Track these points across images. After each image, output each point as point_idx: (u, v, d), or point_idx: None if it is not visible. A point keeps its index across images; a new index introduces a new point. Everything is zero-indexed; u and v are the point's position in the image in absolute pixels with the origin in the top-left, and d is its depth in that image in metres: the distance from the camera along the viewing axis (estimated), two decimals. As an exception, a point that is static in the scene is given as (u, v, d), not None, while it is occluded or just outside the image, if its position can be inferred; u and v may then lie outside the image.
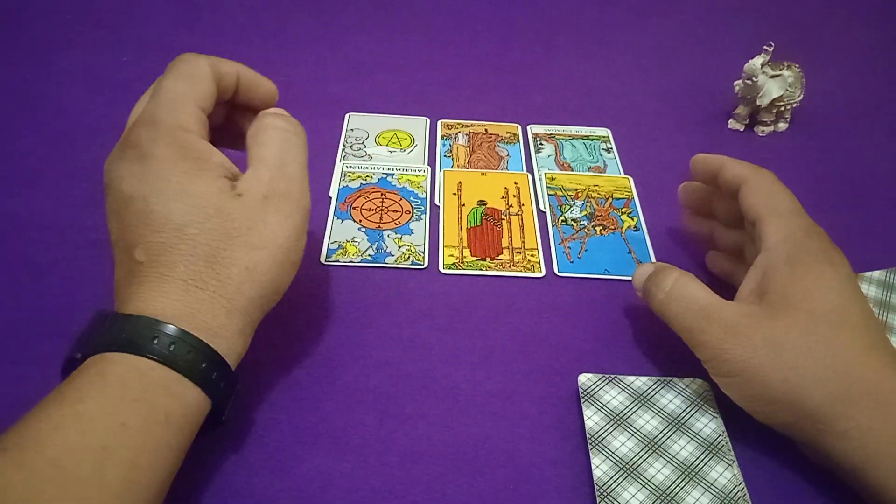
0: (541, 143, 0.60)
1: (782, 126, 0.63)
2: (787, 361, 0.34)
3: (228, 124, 0.43)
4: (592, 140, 0.61)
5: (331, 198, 0.52)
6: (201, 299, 0.33)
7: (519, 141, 0.60)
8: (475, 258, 0.49)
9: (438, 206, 0.52)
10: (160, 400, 0.30)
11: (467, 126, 0.62)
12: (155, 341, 0.31)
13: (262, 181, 0.35)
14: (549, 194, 0.54)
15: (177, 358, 0.31)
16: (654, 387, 0.40)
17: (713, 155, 0.45)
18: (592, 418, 0.38)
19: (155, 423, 0.30)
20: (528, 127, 0.62)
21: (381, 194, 0.53)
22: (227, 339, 0.33)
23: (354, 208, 0.52)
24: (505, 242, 0.50)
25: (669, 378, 0.40)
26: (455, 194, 0.53)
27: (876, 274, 0.46)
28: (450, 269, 0.48)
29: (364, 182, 0.54)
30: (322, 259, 0.47)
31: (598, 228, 0.52)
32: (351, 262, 0.47)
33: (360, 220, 0.51)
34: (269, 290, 0.35)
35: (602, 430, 0.37)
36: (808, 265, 0.37)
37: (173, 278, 0.33)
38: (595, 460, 0.36)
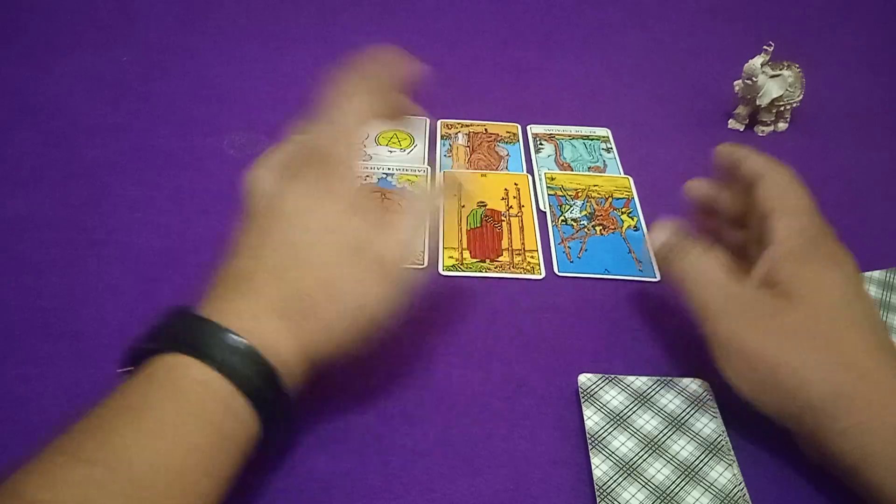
0: (541, 143, 0.60)
1: (782, 126, 0.63)
2: (796, 352, 0.35)
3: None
4: (592, 140, 0.61)
5: (331, 198, 0.52)
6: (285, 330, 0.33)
7: (519, 141, 0.60)
8: (475, 260, 0.49)
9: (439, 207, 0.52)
10: (229, 423, 0.31)
11: (467, 126, 0.62)
12: (242, 367, 0.31)
13: (378, 245, 0.36)
14: (549, 194, 0.54)
15: (254, 387, 0.31)
16: (654, 387, 0.40)
17: (737, 145, 0.44)
18: (592, 418, 0.38)
19: (220, 449, 0.30)
20: (528, 127, 0.62)
21: (381, 194, 0.53)
22: (293, 377, 0.34)
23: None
24: (505, 244, 0.50)
25: (669, 378, 0.40)
26: (455, 195, 0.53)
27: (876, 274, 0.46)
28: (449, 270, 0.48)
29: (364, 182, 0.54)
30: (322, 259, 0.47)
31: (598, 228, 0.52)
32: (351, 262, 0.47)
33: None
34: (341, 348, 0.35)
35: (602, 430, 0.37)
36: (816, 262, 0.37)
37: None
38: (595, 460, 0.36)
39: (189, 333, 0.32)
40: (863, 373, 0.34)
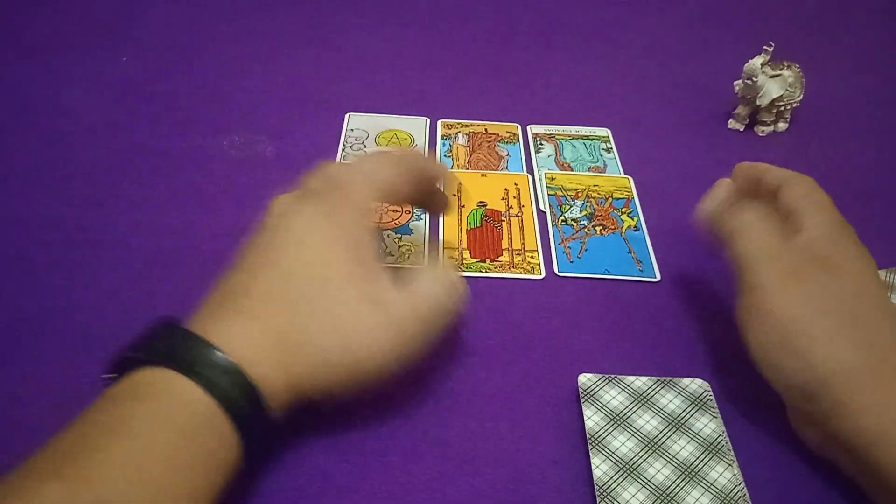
0: (541, 143, 0.60)
1: (782, 126, 0.63)
2: (824, 322, 0.35)
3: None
4: (592, 140, 0.61)
5: (331, 198, 0.52)
6: (270, 350, 0.33)
7: (519, 141, 0.60)
8: (475, 260, 0.49)
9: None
10: (211, 442, 0.30)
11: (467, 126, 0.62)
12: (227, 386, 0.31)
13: (398, 303, 0.35)
14: (549, 194, 0.54)
15: (238, 408, 0.31)
16: (654, 387, 0.40)
17: (757, 163, 0.45)
18: (592, 418, 0.38)
19: (203, 466, 0.30)
20: (528, 127, 0.62)
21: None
22: (277, 402, 0.33)
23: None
24: (505, 244, 0.50)
25: (669, 378, 0.40)
26: (455, 196, 0.53)
27: (876, 274, 0.46)
28: (450, 269, 0.48)
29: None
30: (322, 259, 0.47)
31: (598, 228, 0.52)
32: (351, 262, 0.47)
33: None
34: (328, 391, 0.35)
35: (602, 430, 0.37)
36: (849, 245, 0.38)
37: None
38: (595, 460, 0.36)
39: (176, 348, 0.31)
40: (886, 354, 0.34)
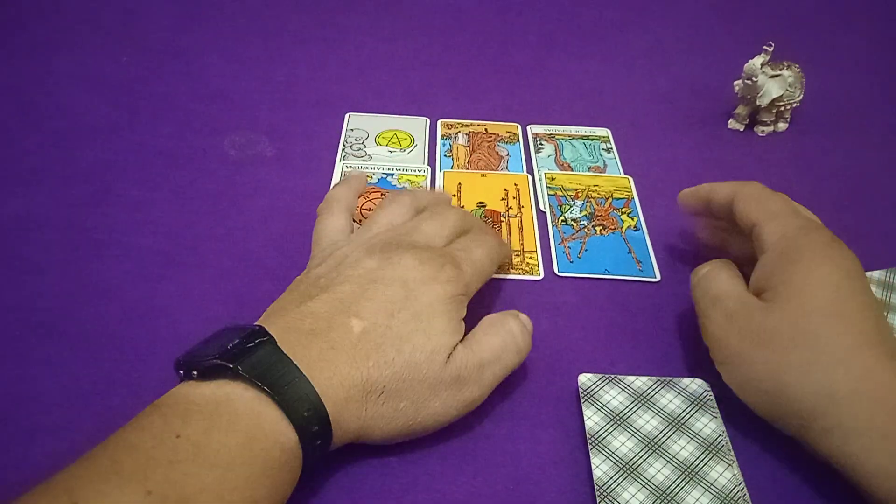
0: (541, 143, 0.60)
1: (782, 126, 0.63)
2: (773, 354, 0.35)
3: None
4: (592, 140, 0.61)
5: (331, 198, 0.52)
6: (357, 401, 0.33)
7: (519, 141, 0.60)
8: (475, 258, 0.48)
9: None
10: (287, 477, 0.30)
11: (467, 126, 0.62)
12: (306, 413, 0.30)
13: (462, 364, 0.35)
14: (549, 194, 0.54)
15: (313, 446, 0.31)
16: (654, 387, 0.40)
17: (698, 186, 0.46)
18: (592, 418, 0.38)
19: (273, 500, 0.30)
20: (528, 127, 0.62)
21: (382, 194, 0.53)
22: (337, 443, 0.33)
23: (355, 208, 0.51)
24: (505, 242, 0.50)
25: (669, 378, 0.40)
26: (454, 196, 0.53)
27: (876, 274, 0.46)
28: (450, 269, 0.48)
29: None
30: (322, 259, 0.47)
31: (598, 228, 0.52)
32: (351, 262, 0.47)
33: (361, 220, 0.51)
34: (385, 437, 0.35)
35: (602, 430, 0.37)
36: (803, 261, 0.37)
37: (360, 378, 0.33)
38: (595, 460, 0.36)
39: (271, 370, 0.31)
40: (848, 370, 0.34)
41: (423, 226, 0.40)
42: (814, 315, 0.35)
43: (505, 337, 0.38)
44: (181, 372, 0.31)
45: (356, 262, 0.36)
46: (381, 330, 0.34)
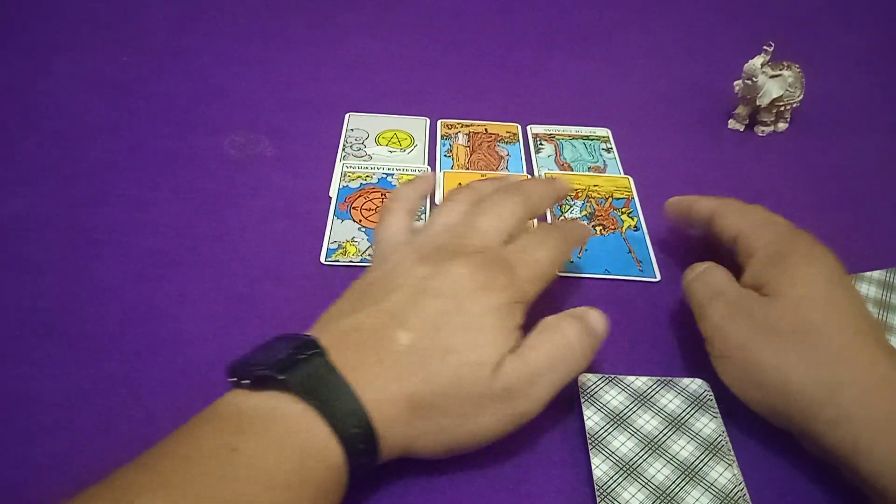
0: (541, 143, 0.60)
1: (782, 126, 0.63)
2: (778, 345, 0.35)
3: None
4: (592, 140, 0.61)
5: (331, 198, 0.52)
6: (403, 417, 0.32)
7: (519, 141, 0.60)
8: (475, 258, 0.48)
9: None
10: (334, 497, 0.30)
11: (467, 126, 0.62)
12: (354, 430, 0.30)
13: (511, 376, 0.34)
14: (549, 194, 0.54)
15: (359, 464, 0.31)
16: (654, 387, 0.40)
17: (680, 197, 0.48)
18: (592, 418, 0.38)
19: None
20: (528, 127, 0.62)
21: (382, 194, 0.53)
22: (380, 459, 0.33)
23: (354, 208, 0.52)
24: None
25: (669, 378, 0.40)
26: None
27: (876, 274, 0.46)
28: (450, 269, 0.48)
29: (364, 182, 0.54)
30: (322, 259, 0.47)
31: (598, 228, 0.52)
32: (351, 262, 0.47)
33: (361, 221, 0.51)
34: (431, 453, 0.34)
35: (602, 430, 0.37)
36: (794, 258, 0.38)
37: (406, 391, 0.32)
38: (595, 460, 0.36)
39: (321, 385, 0.30)
40: (850, 360, 0.34)
41: (479, 222, 0.38)
42: (812, 306, 0.36)
43: (558, 344, 0.35)
44: (233, 379, 0.31)
45: (408, 270, 0.36)
46: (428, 343, 0.33)
